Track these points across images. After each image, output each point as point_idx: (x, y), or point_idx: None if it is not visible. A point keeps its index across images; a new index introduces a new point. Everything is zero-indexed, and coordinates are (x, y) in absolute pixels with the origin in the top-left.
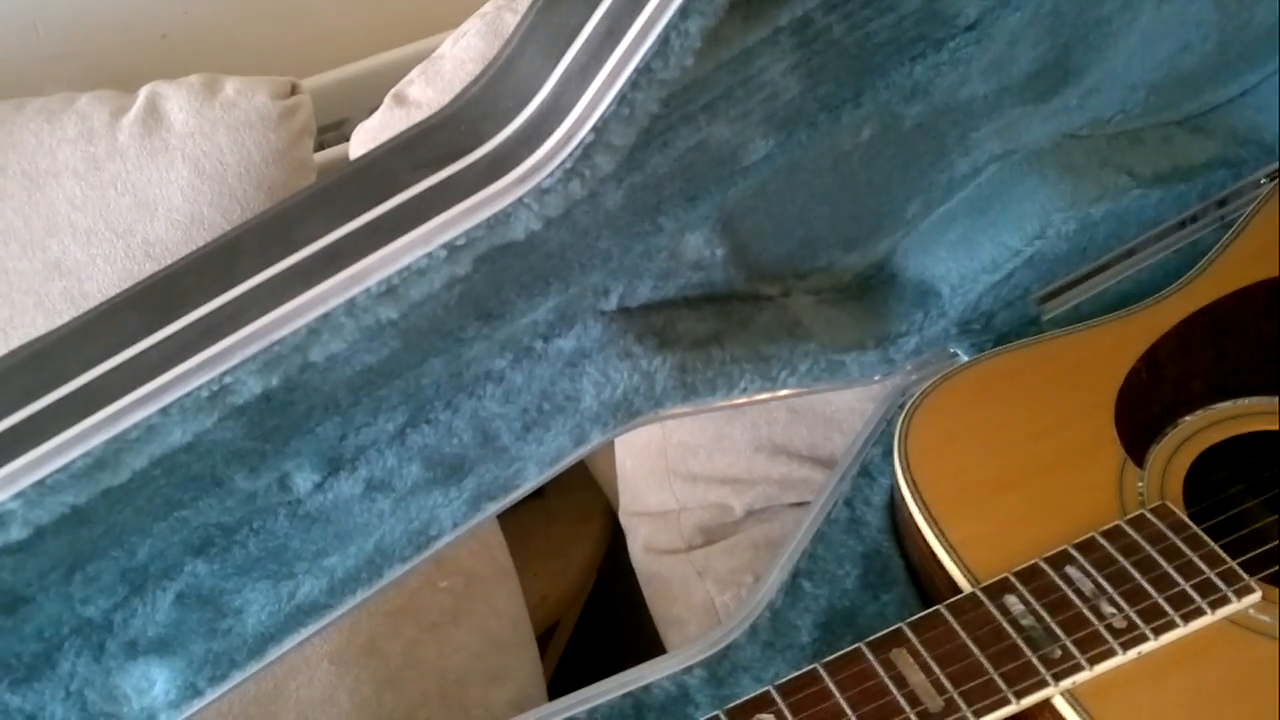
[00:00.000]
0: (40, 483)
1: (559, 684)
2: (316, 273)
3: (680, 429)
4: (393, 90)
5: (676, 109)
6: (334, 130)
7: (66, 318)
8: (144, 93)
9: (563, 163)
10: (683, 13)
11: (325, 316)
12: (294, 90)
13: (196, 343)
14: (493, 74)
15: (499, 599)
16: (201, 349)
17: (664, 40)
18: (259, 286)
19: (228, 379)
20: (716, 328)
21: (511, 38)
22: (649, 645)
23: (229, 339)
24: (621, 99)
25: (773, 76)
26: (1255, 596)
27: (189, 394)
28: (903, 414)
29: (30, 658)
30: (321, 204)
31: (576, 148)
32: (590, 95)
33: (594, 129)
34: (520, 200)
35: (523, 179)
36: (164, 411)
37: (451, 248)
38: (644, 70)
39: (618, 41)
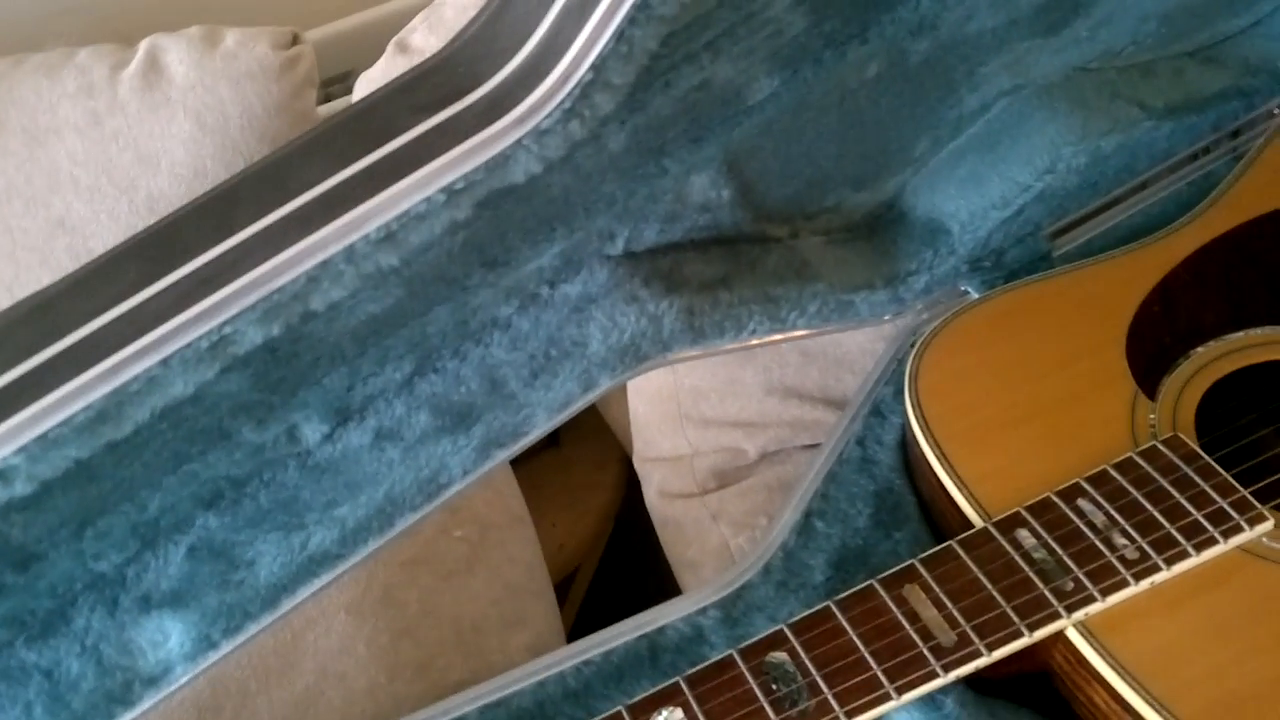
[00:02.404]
0: (42, 437)
1: (580, 629)
2: (314, 220)
3: (692, 374)
4: (395, 38)
5: (678, 47)
6: (339, 83)
7: None
8: (144, 46)
9: (561, 102)
10: None
11: (324, 264)
12: (295, 40)
13: (195, 293)
14: (490, 13)
15: (515, 546)
16: (200, 299)
17: None
18: (256, 235)
19: (227, 329)
20: (724, 270)
21: None
22: (668, 590)
23: (227, 288)
24: (620, 36)
25: (777, 12)
26: (1268, 524)
27: (189, 345)
28: (913, 352)
29: (45, 614)
30: (318, 150)
31: (575, 87)
32: (587, 32)
33: (592, 67)
34: (519, 142)
35: (521, 120)
36: (164, 363)
37: (450, 191)
38: (642, 5)
39: None
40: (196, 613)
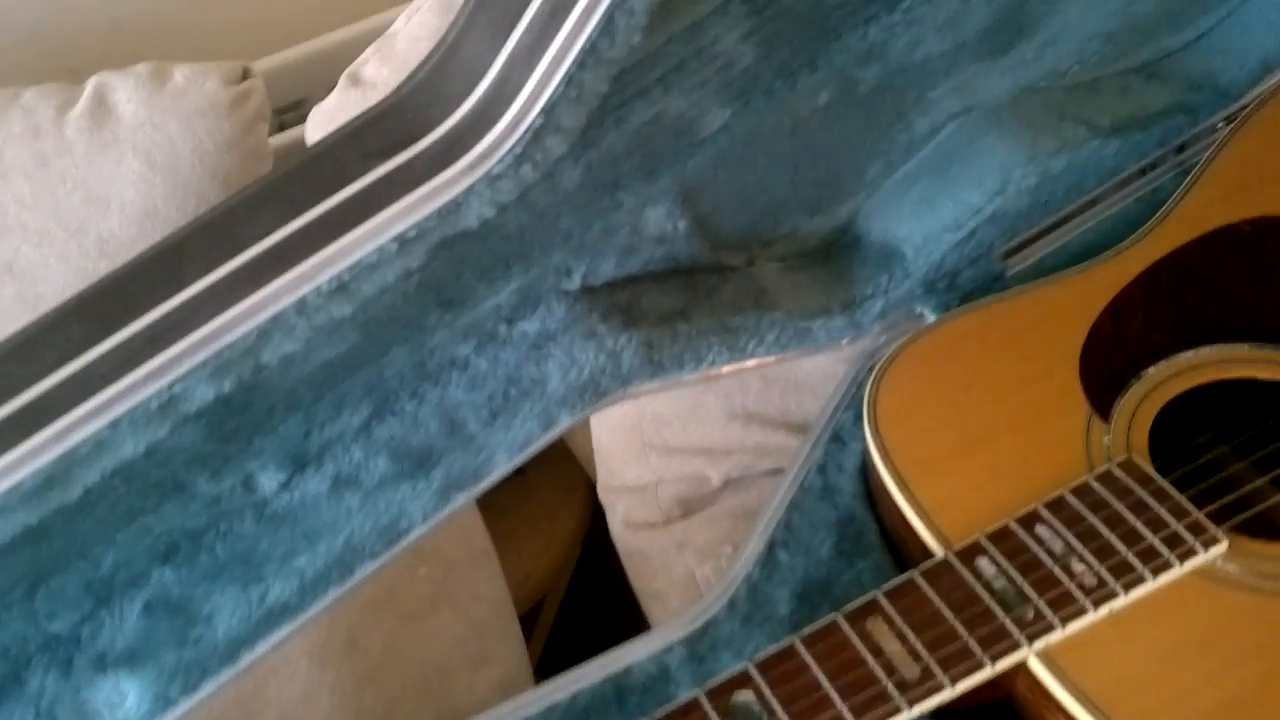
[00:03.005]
0: None
1: (548, 662)
2: (264, 273)
3: (654, 401)
4: (347, 71)
5: (629, 84)
6: (293, 110)
7: (21, 321)
8: (91, 84)
9: (512, 148)
10: None
11: (275, 318)
12: (246, 75)
13: (143, 351)
14: (439, 57)
15: (479, 583)
16: (148, 358)
17: (609, 19)
18: (206, 290)
19: (177, 388)
20: (682, 301)
21: (458, 18)
22: (636, 617)
23: (176, 346)
24: (569, 80)
25: (726, 46)
26: (1222, 546)
27: (138, 405)
28: (870, 379)
29: None
30: (267, 200)
31: (526, 132)
32: (537, 78)
33: (542, 112)
34: (471, 188)
35: (472, 166)
36: (113, 425)
37: (403, 240)
38: (590, 50)
39: (562, 22)
40: (154, 671)
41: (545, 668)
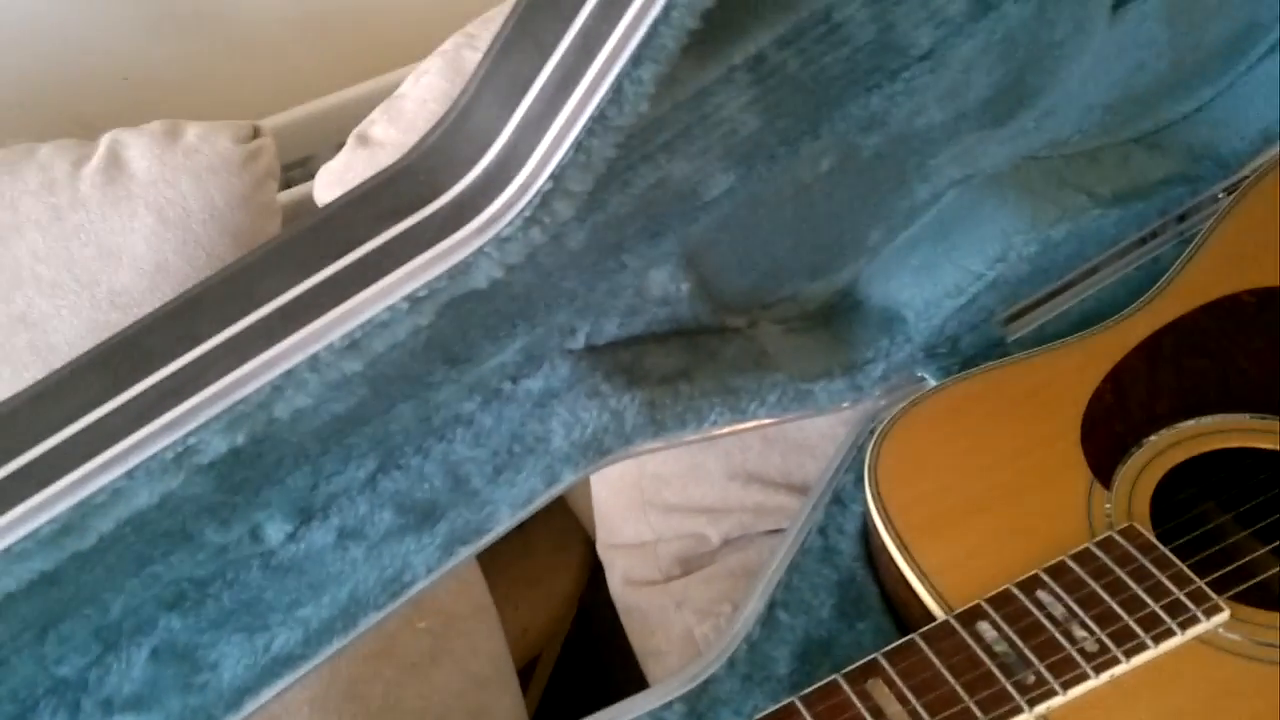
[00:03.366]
0: (7, 551)
1: (544, 716)
2: (278, 330)
3: (654, 460)
4: (355, 131)
5: (635, 149)
6: (299, 167)
7: (33, 370)
8: (105, 141)
9: (522, 211)
10: (635, 61)
11: (289, 373)
12: (256, 133)
13: (159, 404)
14: (450, 122)
15: (478, 637)
16: (164, 411)
17: (617, 88)
18: (220, 345)
19: (192, 440)
20: (684, 362)
21: (468, 85)
22: (634, 675)
23: (192, 400)
24: (578, 146)
25: (730, 113)
26: (1224, 615)
27: (153, 456)
28: (872, 441)
29: None
30: (281, 259)
31: (535, 196)
32: (547, 144)
33: (551, 176)
34: (481, 250)
35: (482, 229)
36: (129, 475)
37: (413, 300)
38: (599, 118)
39: (571, 90)
40: (159, 716)
41: None
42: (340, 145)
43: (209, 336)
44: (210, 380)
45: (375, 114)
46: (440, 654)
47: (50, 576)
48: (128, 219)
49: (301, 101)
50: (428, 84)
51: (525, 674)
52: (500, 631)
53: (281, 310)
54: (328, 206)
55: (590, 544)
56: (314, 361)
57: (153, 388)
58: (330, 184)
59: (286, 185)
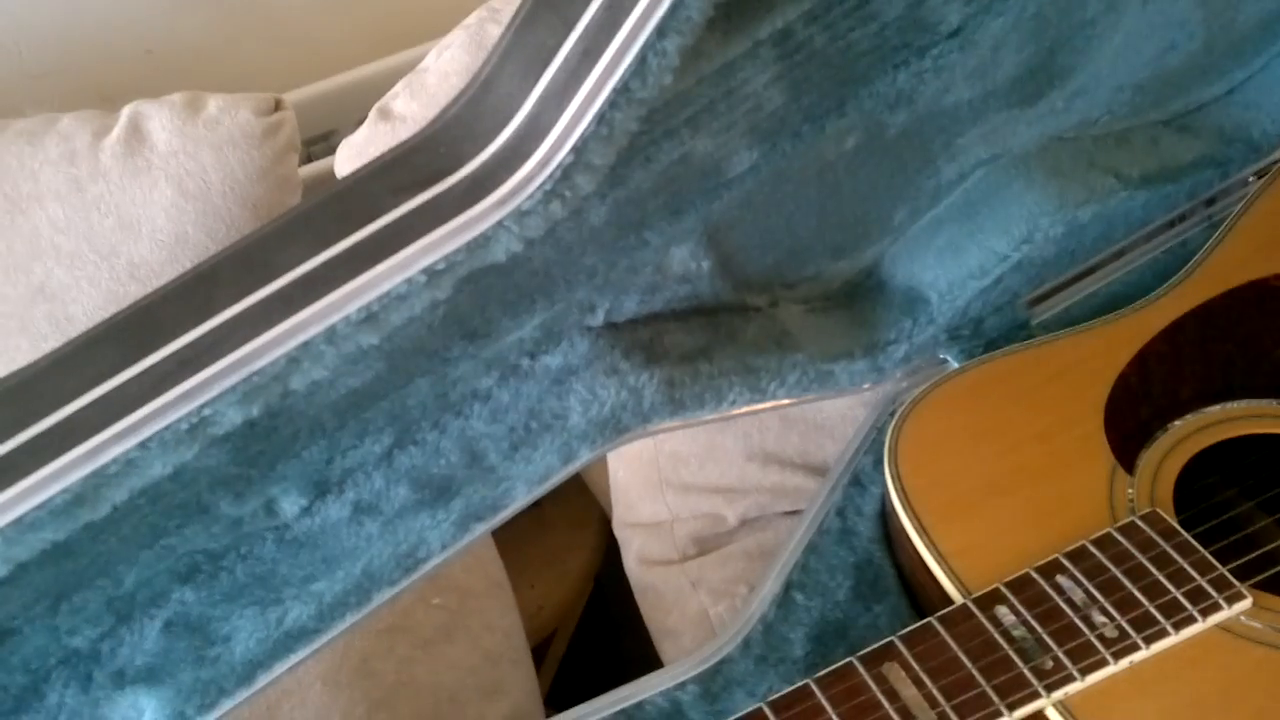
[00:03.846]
0: (19, 520)
1: (557, 695)
2: (295, 301)
3: (672, 439)
4: (377, 104)
5: (659, 124)
6: (321, 142)
7: (51, 342)
8: (126, 112)
9: (542, 184)
10: (660, 32)
11: (305, 345)
12: (278, 106)
13: (174, 375)
14: (471, 94)
15: (493, 614)
16: (179, 381)
17: (641, 60)
18: (237, 316)
19: (207, 411)
20: (704, 341)
21: (490, 57)
22: (649, 653)
23: (207, 370)
24: (600, 119)
25: (755, 88)
26: (1246, 603)
27: (168, 427)
28: (893, 423)
29: (17, 690)
30: (299, 230)
31: (556, 169)
32: (569, 116)
33: (573, 150)
34: (500, 223)
35: (502, 202)
36: (143, 445)
37: (431, 272)
38: (622, 90)
39: (595, 62)
40: (171, 689)
41: (555, 700)
42: (362, 120)
43: (225, 307)
44: (226, 351)
45: (397, 88)
46: (454, 630)
47: (63, 547)
48: (148, 190)
49: (324, 76)
50: (450, 58)
51: (540, 651)
52: (515, 608)
53: (298, 282)
54: (346, 178)
55: (606, 522)
56: (330, 334)
57: (168, 358)
58: (351, 158)
59: (308, 159)
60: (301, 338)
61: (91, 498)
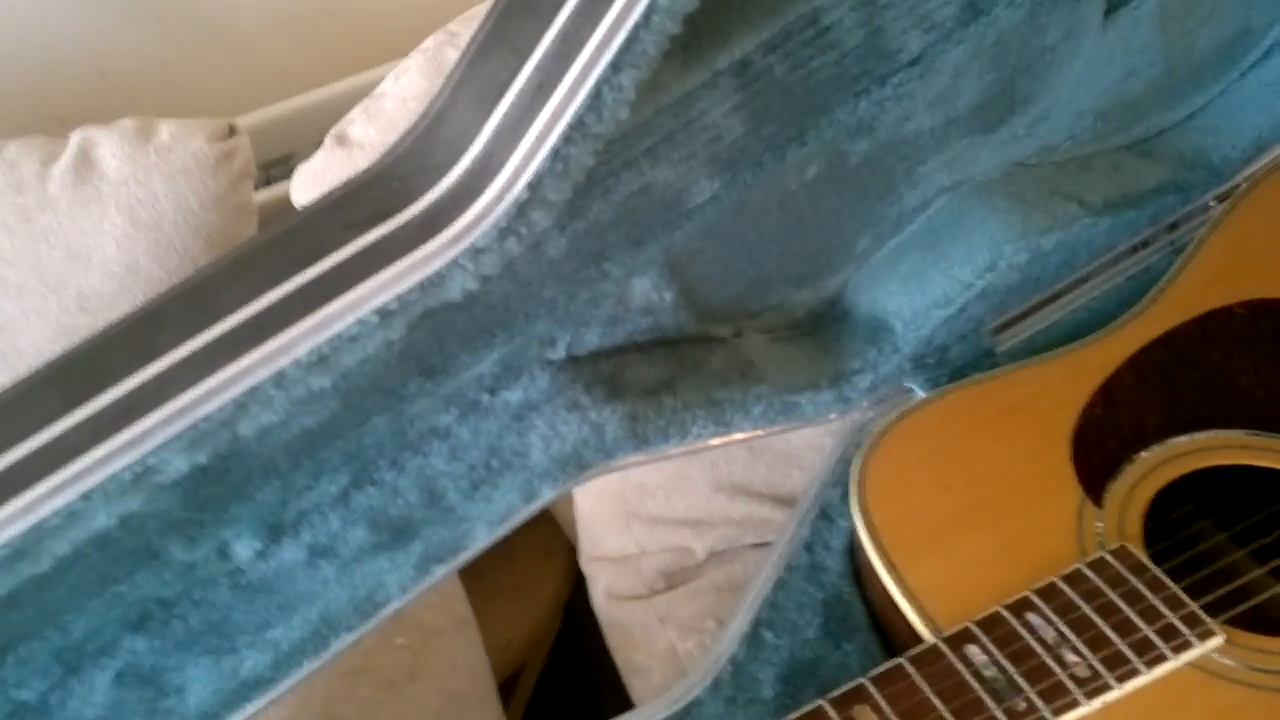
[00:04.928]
0: None
1: None
2: (242, 344)
3: (638, 470)
4: (334, 130)
5: (617, 155)
6: (280, 165)
7: None
8: (75, 139)
9: (496, 221)
10: (614, 67)
11: (253, 390)
12: (232, 132)
13: (117, 422)
14: (424, 127)
15: (458, 652)
16: (122, 429)
17: (596, 94)
18: (182, 361)
19: (151, 460)
20: (668, 373)
21: (443, 89)
22: (619, 685)
23: (151, 418)
24: (555, 154)
25: (715, 119)
26: (1218, 640)
27: (111, 476)
28: (858, 456)
29: None
30: (247, 269)
31: (511, 205)
32: (523, 151)
33: (528, 186)
34: (455, 261)
35: (456, 239)
36: (85, 497)
37: (384, 312)
38: (577, 125)
39: (549, 96)
40: None
41: None
42: (321, 142)
43: (169, 350)
44: (170, 396)
45: (354, 113)
46: (419, 671)
47: (6, 600)
48: (98, 220)
49: (281, 98)
50: (408, 82)
51: (508, 686)
52: (480, 646)
53: (246, 324)
54: (297, 214)
55: (574, 553)
56: (280, 378)
57: (110, 405)
58: (307, 184)
59: (266, 183)
60: (249, 382)
61: (33, 551)
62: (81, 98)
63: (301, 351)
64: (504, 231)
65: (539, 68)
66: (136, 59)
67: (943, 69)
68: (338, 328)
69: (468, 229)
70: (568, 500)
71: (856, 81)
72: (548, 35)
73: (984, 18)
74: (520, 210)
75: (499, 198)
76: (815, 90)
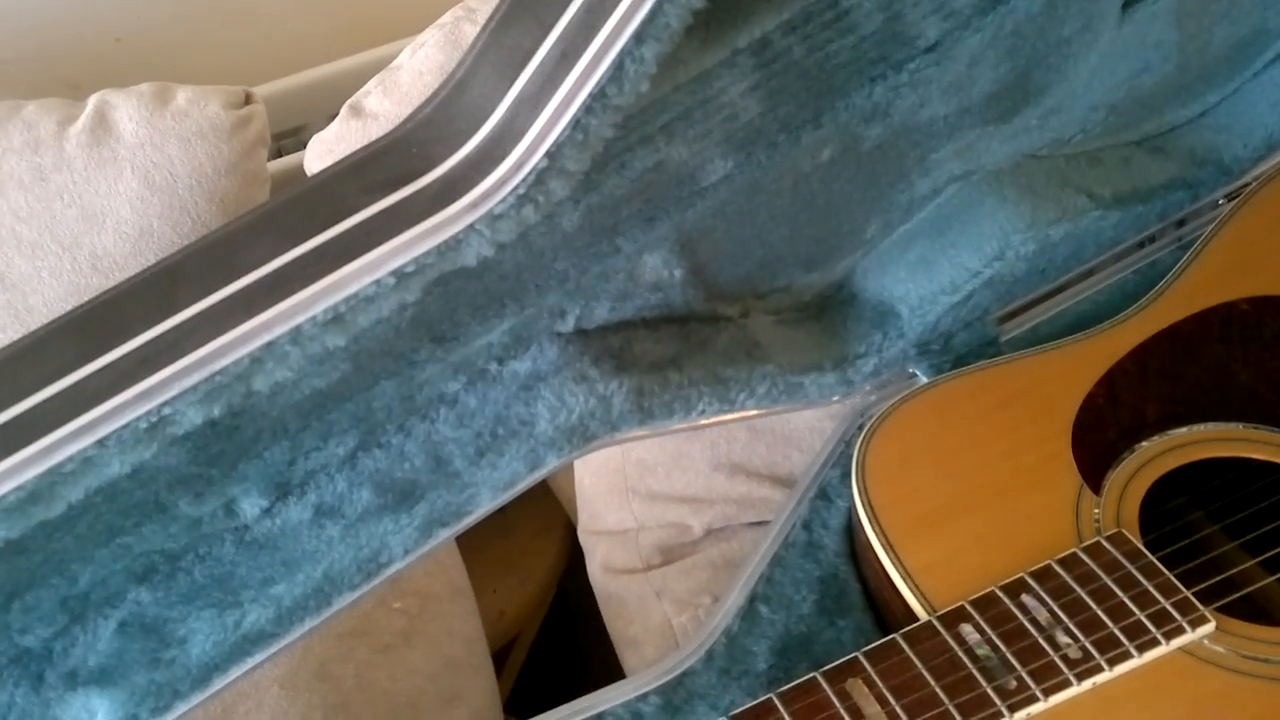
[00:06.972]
0: None
1: (517, 701)
2: (260, 300)
3: (639, 447)
4: (349, 101)
5: (634, 130)
6: (291, 137)
7: (10, 333)
8: (93, 101)
9: (515, 188)
10: (638, 39)
11: (269, 345)
12: (248, 100)
13: (134, 372)
14: (445, 95)
15: (454, 619)
16: (139, 379)
17: (618, 66)
18: (200, 314)
19: (166, 410)
20: (675, 350)
21: (465, 57)
22: (611, 659)
23: (168, 369)
24: (575, 124)
25: (732, 98)
26: (1209, 627)
27: (126, 425)
28: (860, 438)
29: None
30: (267, 228)
31: (530, 173)
32: (544, 120)
33: (547, 154)
34: (471, 226)
35: (474, 205)
36: (100, 444)
37: (400, 275)
38: (598, 96)
39: (571, 66)
40: (125, 691)
41: (515, 706)
42: (334, 116)
43: (188, 305)
44: (188, 350)
45: (370, 85)
46: (415, 635)
47: (16, 545)
48: (113, 181)
49: (296, 70)
50: (424, 56)
51: (501, 656)
52: (476, 614)
53: (264, 280)
54: (316, 176)
55: (571, 528)
56: (296, 334)
57: (128, 355)
58: (321, 155)
59: (278, 154)
60: (266, 338)
61: (46, 495)
62: (96, 64)
63: (318, 309)
64: (522, 199)
65: (562, 37)
66: (153, 27)
67: (959, 57)
68: (354, 287)
69: (486, 195)
70: (567, 475)
71: (873, 66)
72: (572, 5)
73: (1002, 7)
74: (539, 178)
75: (518, 165)
76: (832, 73)
